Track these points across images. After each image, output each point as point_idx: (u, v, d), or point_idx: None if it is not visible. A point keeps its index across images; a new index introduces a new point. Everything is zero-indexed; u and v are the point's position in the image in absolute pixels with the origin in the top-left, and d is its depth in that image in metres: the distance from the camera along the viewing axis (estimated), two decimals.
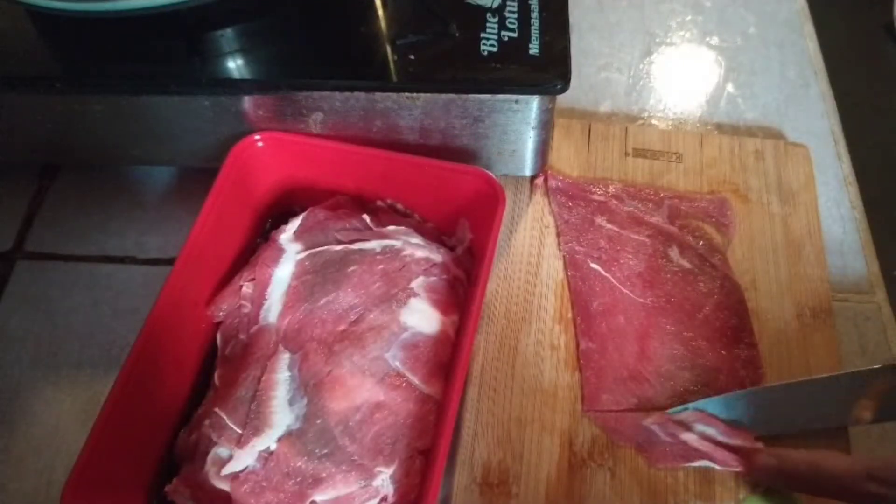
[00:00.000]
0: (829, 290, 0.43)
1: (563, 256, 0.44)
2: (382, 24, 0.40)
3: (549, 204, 0.46)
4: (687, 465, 0.37)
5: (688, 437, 0.37)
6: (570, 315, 0.42)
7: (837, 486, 0.33)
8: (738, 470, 0.36)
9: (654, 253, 0.44)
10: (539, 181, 0.47)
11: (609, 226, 0.45)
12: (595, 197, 0.46)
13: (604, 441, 0.38)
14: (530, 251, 0.44)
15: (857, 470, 0.32)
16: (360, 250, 0.40)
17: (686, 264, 0.44)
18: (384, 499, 0.34)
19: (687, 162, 0.48)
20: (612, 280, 0.43)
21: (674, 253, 0.44)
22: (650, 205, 0.46)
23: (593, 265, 0.43)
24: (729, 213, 0.45)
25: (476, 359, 0.41)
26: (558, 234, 0.45)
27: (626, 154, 0.48)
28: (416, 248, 0.40)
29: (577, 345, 0.41)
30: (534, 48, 0.38)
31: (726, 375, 0.40)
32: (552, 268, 0.44)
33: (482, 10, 0.40)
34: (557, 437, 0.38)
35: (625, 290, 0.43)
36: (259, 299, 0.39)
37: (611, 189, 0.46)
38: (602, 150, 0.49)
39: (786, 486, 0.36)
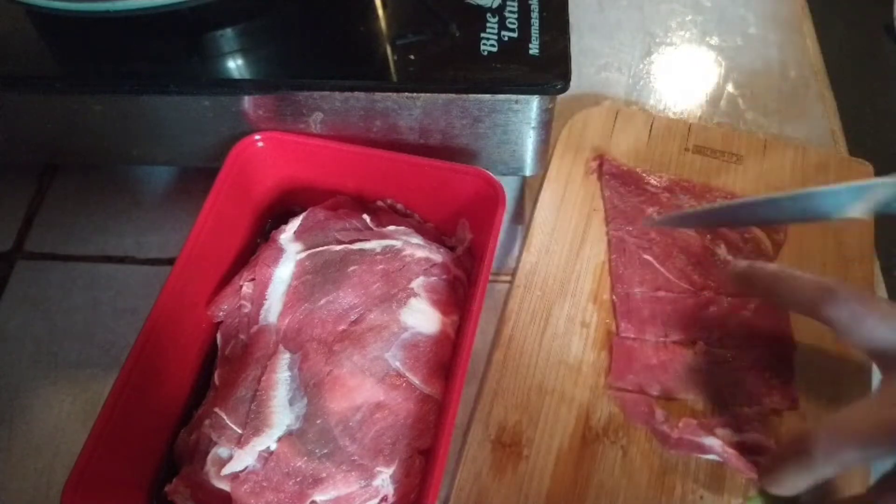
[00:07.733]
0: None
1: (609, 241, 0.44)
2: (382, 23, 0.40)
3: (602, 188, 0.46)
4: (700, 455, 0.37)
5: (711, 441, 0.37)
6: (605, 296, 0.43)
7: (792, 298, 0.36)
8: (750, 476, 0.36)
9: (702, 249, 0.44)
10: (594, 164, 0.47)
11: (659, 217, 0.45)
12: (648, 187, 0.46)
13: (620, 420, 0.39)
14: (575, 231, 0.45)
15: (810, 287, 0.35)
16: (360, 250, 0.40)
17: None
18: (384, 499, 0.34)
19: (746, 164, 0.48)
20: (663, 271, 0.43)
21: (721, 251, 0.44)
22: (703, 202, 0.46)
23: (645, 255, 0.44)
24: None
25: (507, 323, 0.41)
26: (607, 219, 0.45)
27: (686, 150, 0.48)
28: (416, 248, 0.40)
29: (615, 325, 0.41)
30: (534, 48, 0.39)
31: (755, 376, 0.40)
32: (595, 249, 0.44)
33: (482, 10, 0.40)
34: (575, 409, 0.39)
35: (673, 280, 0.43)
36: (259, 299, 0.39)
37: (664, 181, 0.47)
38: (662, 143, 0.49)
39: (749, 292, 0.40)
